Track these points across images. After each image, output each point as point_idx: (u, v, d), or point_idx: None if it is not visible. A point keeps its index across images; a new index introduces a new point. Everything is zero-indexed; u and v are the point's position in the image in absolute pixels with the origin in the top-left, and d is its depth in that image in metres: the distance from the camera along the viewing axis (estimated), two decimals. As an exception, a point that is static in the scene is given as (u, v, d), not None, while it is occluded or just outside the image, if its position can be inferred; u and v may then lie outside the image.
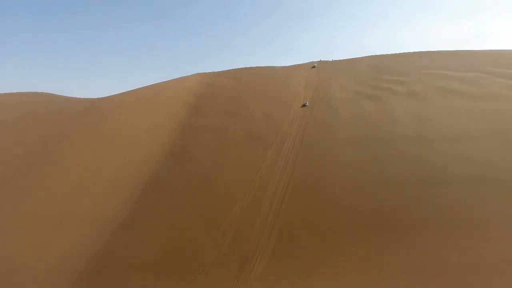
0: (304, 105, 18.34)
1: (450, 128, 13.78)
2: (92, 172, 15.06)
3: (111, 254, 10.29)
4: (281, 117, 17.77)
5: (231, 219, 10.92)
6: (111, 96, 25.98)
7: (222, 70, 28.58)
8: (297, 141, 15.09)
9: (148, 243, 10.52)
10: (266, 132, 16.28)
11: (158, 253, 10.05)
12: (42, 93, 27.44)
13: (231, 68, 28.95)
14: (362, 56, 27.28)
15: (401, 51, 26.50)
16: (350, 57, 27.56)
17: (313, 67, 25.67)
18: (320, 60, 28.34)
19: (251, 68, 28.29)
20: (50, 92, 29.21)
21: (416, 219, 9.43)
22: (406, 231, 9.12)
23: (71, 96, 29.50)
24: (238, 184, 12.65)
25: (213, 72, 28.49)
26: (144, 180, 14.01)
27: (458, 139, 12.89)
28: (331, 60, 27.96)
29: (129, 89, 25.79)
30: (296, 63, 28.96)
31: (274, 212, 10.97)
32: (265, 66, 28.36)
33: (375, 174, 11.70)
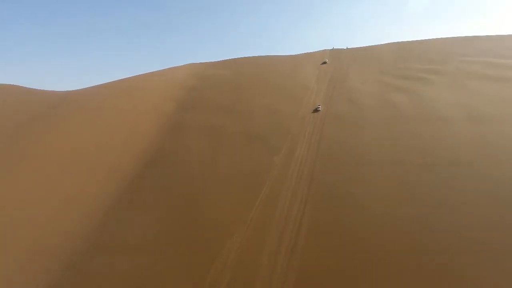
0: (316, 110, 14.62)
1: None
2: (50, 185, 12.21)
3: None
4: (290, 114, 14.72)
5: (225, 258, 7.79)
6: (86, 88, 23.21)
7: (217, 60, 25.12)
8: (313, 146, 11.78)
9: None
10: (272, 133, 13.38)
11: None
12: (5, 85, 24.16)
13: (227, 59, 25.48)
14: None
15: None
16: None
17: (324, 63, 21.51)
18: (333, 48, 25.07)
19: (251, 57, 25.16)
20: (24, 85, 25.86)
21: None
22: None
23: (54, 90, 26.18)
24: (236, 204, 9.62)
25: (207, 62, 25.63)
26: (111, 195, 10.78)
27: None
28: (345, 48, 24.60)
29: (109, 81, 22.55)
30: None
31: (287, 248, 7.85)
32: (268, 55, 24.91)
33: (424, 193, 8.59)
